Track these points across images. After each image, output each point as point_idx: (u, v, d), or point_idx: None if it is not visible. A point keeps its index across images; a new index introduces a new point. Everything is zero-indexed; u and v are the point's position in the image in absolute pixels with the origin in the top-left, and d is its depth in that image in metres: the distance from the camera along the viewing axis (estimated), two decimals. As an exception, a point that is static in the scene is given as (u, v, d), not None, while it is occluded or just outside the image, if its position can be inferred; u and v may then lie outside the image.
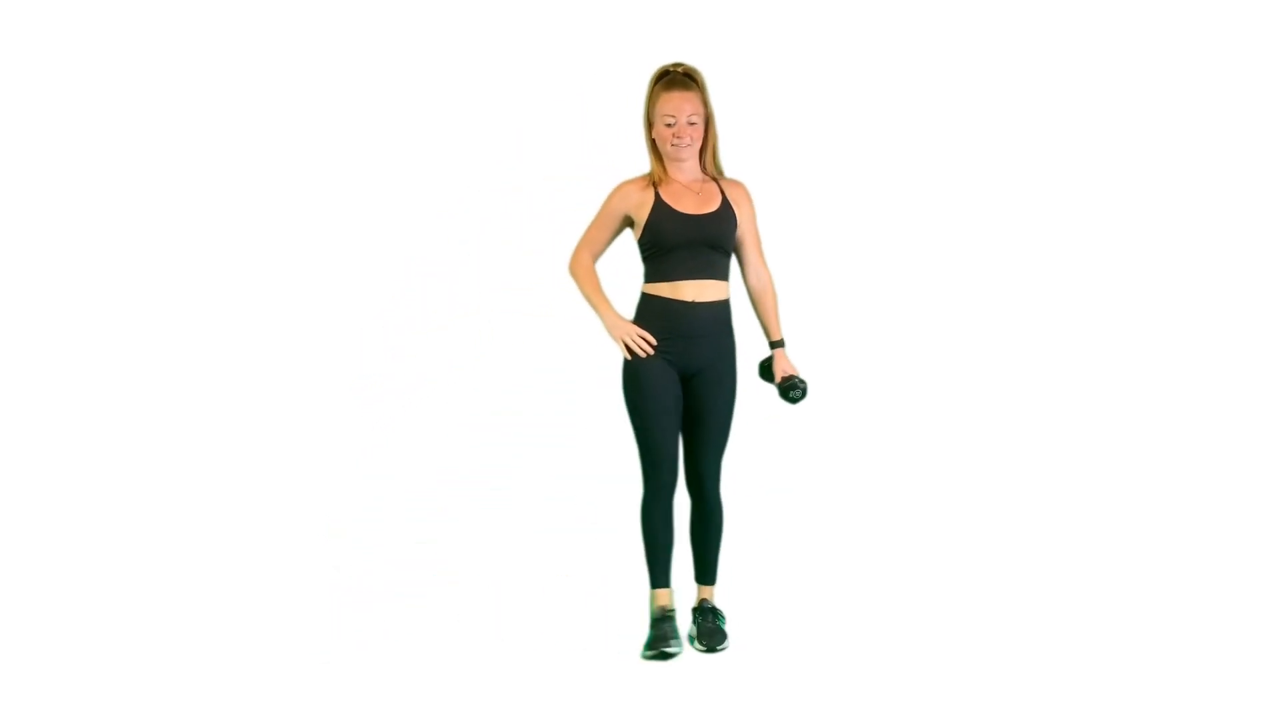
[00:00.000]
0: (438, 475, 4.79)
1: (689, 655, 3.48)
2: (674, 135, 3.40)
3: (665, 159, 3.45)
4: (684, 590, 3.65)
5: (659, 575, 3.55)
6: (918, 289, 5.18)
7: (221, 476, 4.75)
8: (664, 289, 3.45)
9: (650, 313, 3.47)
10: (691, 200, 3.44)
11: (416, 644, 3.54)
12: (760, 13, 5.13)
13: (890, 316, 5.15)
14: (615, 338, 3.48)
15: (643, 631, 3.55)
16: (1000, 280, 5.18)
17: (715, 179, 3.50)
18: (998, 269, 5.17)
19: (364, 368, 5.05)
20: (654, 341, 3.44)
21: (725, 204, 3.47)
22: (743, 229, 3.51)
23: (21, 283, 5.02)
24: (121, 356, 5.01)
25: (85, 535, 4.31)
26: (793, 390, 3.51)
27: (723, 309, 3.49)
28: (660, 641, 3.46)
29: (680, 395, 3.49)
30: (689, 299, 3.44)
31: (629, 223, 3.49)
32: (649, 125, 3.45)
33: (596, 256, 3.54)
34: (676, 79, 3.41)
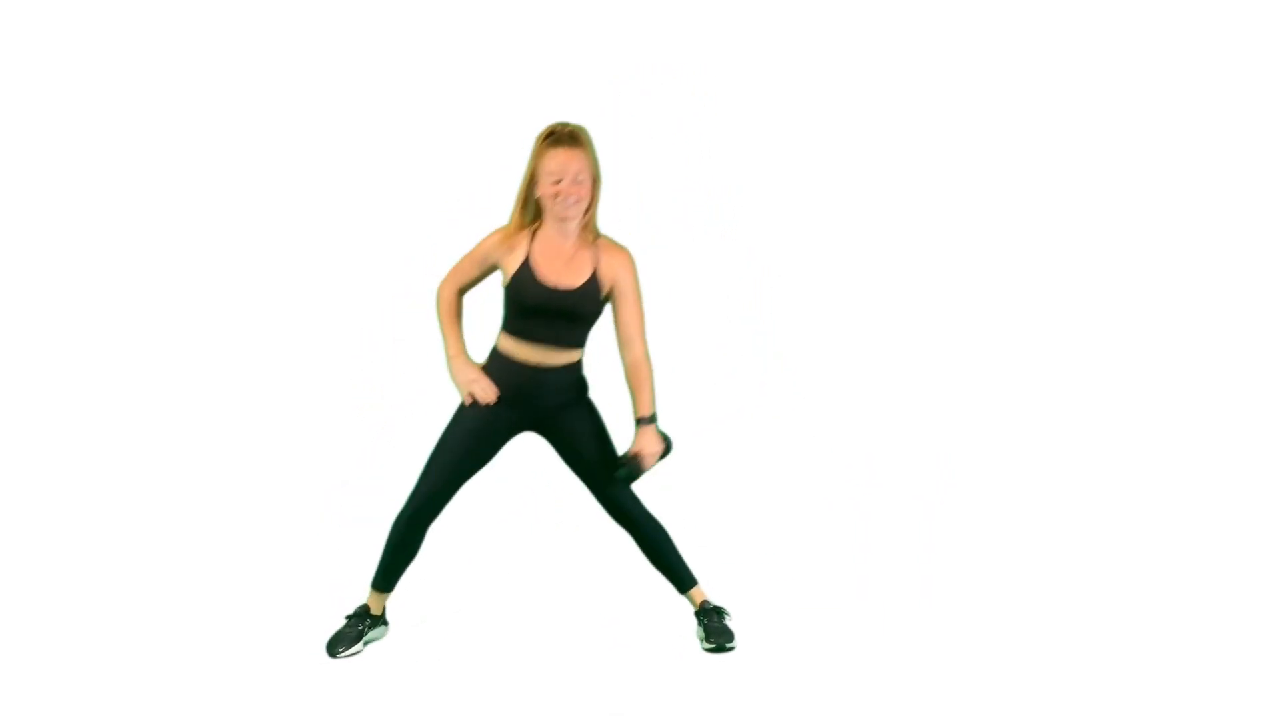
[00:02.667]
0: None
1: (698, 655, 3.48)
2: (560, 193, 3.30)
3: (549, 217, 3.35)
4: (681, 599, 3.68)
5: (385, 580, 3.52)
6: (920, 290, 5.19)
7: (223, 477, 4.76)
8: (511, 346, 3.40)
9: (496, 366, 3.43)
10: (560, 269, 3.35)
11: (418, 643, 3.55)
12: (760, 14, 5.14)
13: (891, 318, 5.16)
14: (457, 382, 3.43)
15: (643, 631, 3.56)
16: (998, 281, 5.19)
17: (595, 247, 3.38)
18: (995, 270, 5.19)
19: (366, 367, 5.06)
20: (495, 395, 3.40)
21: (592, 279, 3.35)
22: (618, 300, 3.40)
23: (24, 284, 5.03)
24: (122, 357, 5.02)
25: (85, 536, 4.31)
26: (619, 469, 3.45)
27: (569, 371, 3.43)
28: (341, 642, 3.47)
29: (497, 449, 3.47)
30: (534, 362, 3.39)
31: (497, 268, 3.41)
32: (529, 183, 3.36)
33: (461, 290, 3.48)
34: (564, 137, 3.32)
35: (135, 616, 3.69)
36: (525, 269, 3.34)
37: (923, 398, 5.12)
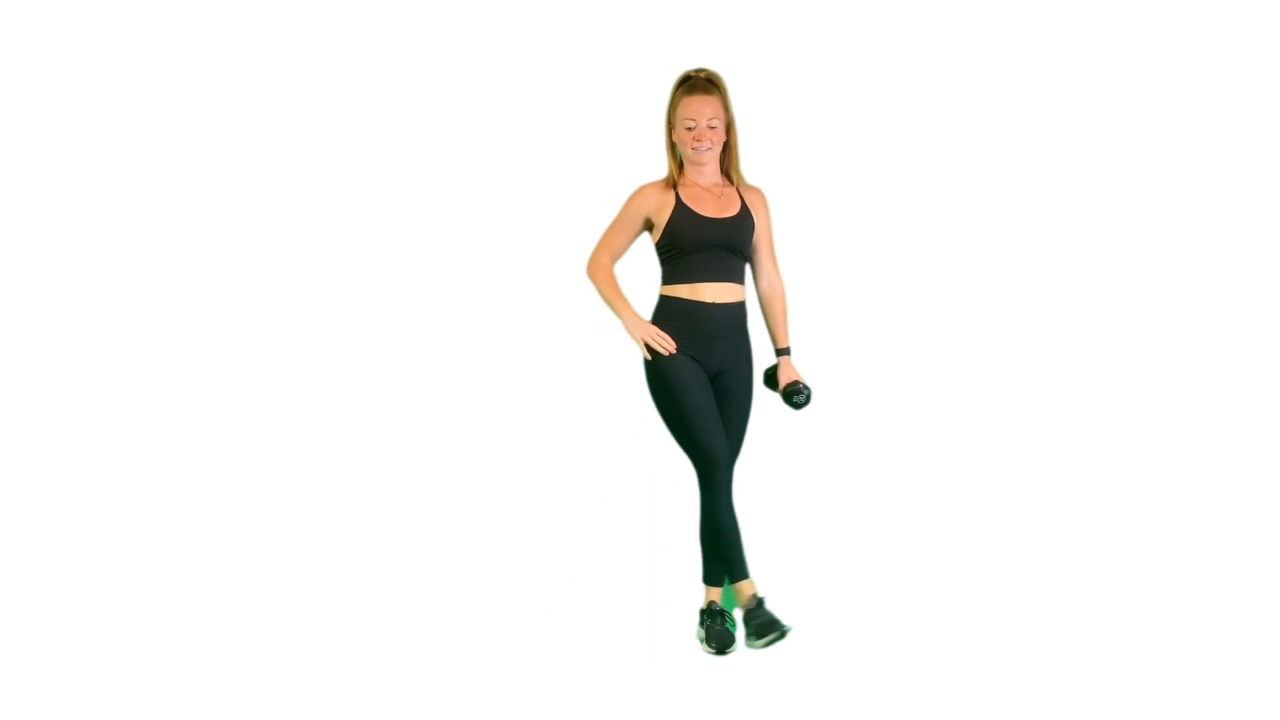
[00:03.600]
0: (445, 476, 4.81)
1: (697, 656, 3.49)
2: (694, 139, 3.44)
3: (685, 162, 3.50)
4: (687, 594, 3.68)
5: (737, 569, 3.53)
6: (925, 291, 5.19)
7: (226, 477, 4.77)
8: (683, 290, 3.48)
9: (670, 314, 3.50)
10: (712, 204, 3.49)
11: (427, 641, 3.55)
12: (768, 16, 5.14)
13: (899, 318, 5.16)
14: (635, 338, 3.49)
15: (645, 630, 3.57)
16: (1008, 283, 5.19)
17: (734, 184, 3.55)
18: (1005, 271, 5.18)
19: (377, 367, 5.07)
20: (673, 347, 3.46)
21: (745, 209, 3.51)
22: (758, 235, 3.56)
23: (27, 284, 5.04)
24: (125, 358, 5.02)
25: (88, 536, 4.32)
26: (796, 395, 3.56)
27: (740, 311, 3.54)
28: (769, 628, 3.44)
29: (710, 394, 3.51)
30: (708, 300, 3.48)
31: (649, 225, 3.52)
32: (669, 128, 3.51)
33: (615, 259, 3.56)
34: (698, 83, 3.46)
35: (135, 616, 3.69)
36: (681, 209, 3.45)
37: (926, 399, 5.12)
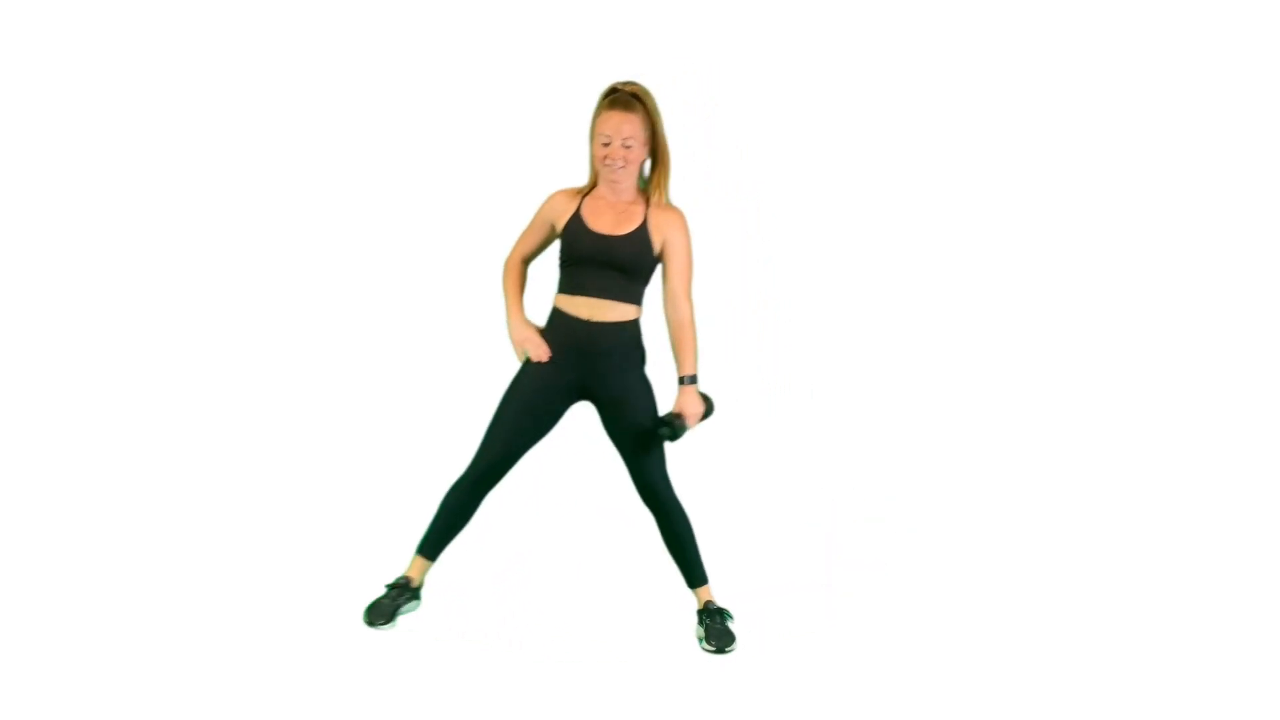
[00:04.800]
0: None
1: (698, 655, 3.49)
2: (607, 155, 3.35)
3: (601, 179, 3.42)
4: (684, 598, 3.68)
5: (431, 547, 3.56)
6: (922, 292, 5.19)
7: (228, 478, 4.77)
8: (564, 302, 3.45)
9: (552, 324, 3.48)
10: (609, 220, 3.41)
11: (418, 642, 3.55)
12: (765, 14, 5.15)
13: (895, 318, 5.17)
14: (513, 340, 3.50)
15: (647, 629, 3.57)
16: (1004, 283, 5.19)
17: (648, 203, 3.43)
18: (1002, 272, 5.19)
19: (370, 368, 5.07)
20: (548, 352, 3.44)
21: (642, 229, 3.40)
22: (665, 257, 3.44)
23: (38, 288, 5.04)
24: (126, 359, 5.03)
25: (89, 537, 4.32)
26: (662, 427, 3.46)
27: (623, 330, 3.45)
28: (379, 612, 3.51)
29: (555, 417, 3.51)
30: (584, 317, 3.42)
31: (555, 231, 3.48)
32: (591, 138, 3.41)
33: (527, 260, 3.56)
34: (621, 99, 3.36)
35: (138, 615, 3.69)
36: (575, 219, 3.40)
37: (928, 399, 5.13)
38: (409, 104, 5.14)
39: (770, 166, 5.15)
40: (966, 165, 5.17)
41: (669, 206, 3.44)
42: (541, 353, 3.44)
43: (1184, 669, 3.37)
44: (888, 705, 3.18)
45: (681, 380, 3.47)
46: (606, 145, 3.34)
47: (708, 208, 5.17)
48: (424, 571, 3.60)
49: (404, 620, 3.64)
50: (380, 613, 3.53)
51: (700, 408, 3.48)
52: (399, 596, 3.57)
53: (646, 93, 3.37)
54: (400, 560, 3.74)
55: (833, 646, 3.53)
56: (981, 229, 5.19)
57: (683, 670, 3.40)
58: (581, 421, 4.60)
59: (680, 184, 5.17)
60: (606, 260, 3.39)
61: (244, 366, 5.11)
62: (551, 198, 3.48)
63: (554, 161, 4.93)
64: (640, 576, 3.98)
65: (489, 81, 5.14)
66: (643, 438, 3.48)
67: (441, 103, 5.14)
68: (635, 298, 3.46)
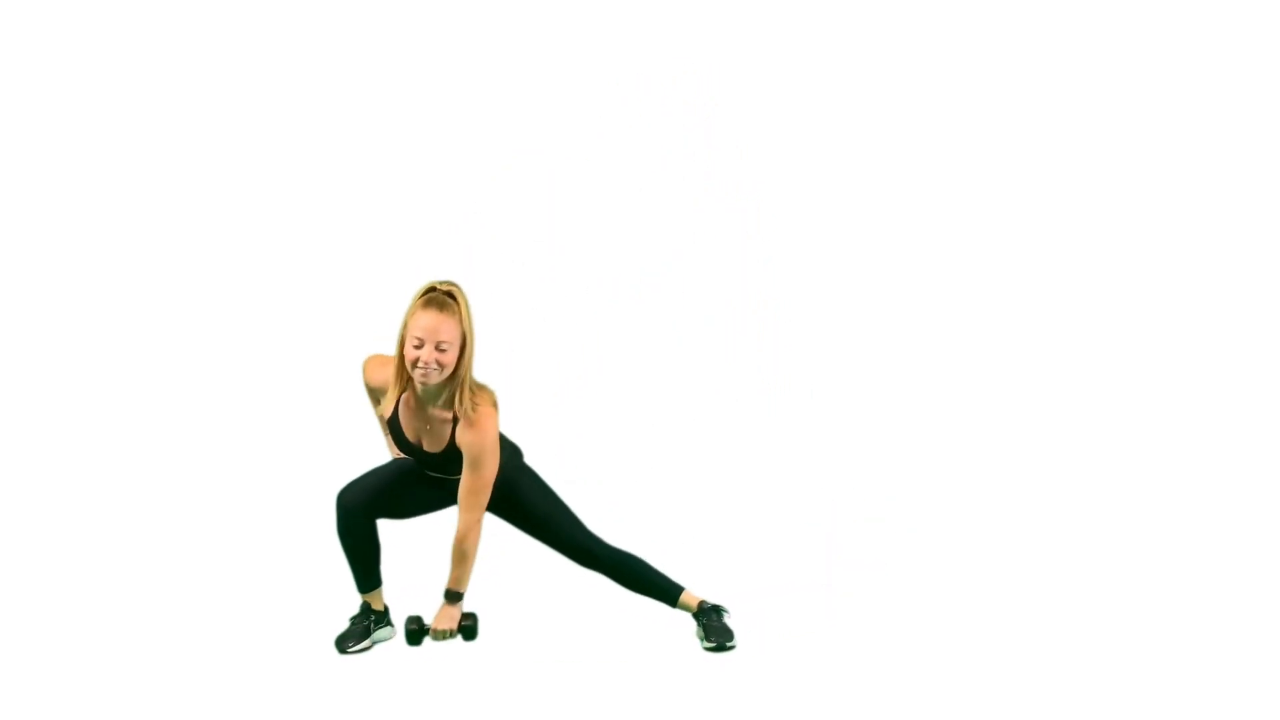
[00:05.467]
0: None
1: (699, 655, 3.49)
2: (418, 359, 3.16)
3: (411, 378, 3.25)
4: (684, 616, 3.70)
5: (361, 582, 3.48)
6: (922, 292, 5.19)
7: (231, 478, 4.77)
8: (407, 453, 3.42)
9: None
10: (423, 432, 3.31)
11: (421, 643, 3.55)
12: (764, 14, 5.15)
13: (895, 318, 5.17)
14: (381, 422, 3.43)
15: (649, 629, 3.58)
16: (1003, 282, 5.19)
17: (457, 413, 3.25)
18: (1001, 271, 5.19)
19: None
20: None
21: (452, 443, 3.29)
22: (465, 465, 3.30)
23: (30, 287, 5.04)
24: (129, 360, 5.03)
25: (89, 536, 4.32)
26: (410, 631, 3.43)
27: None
28: (344, 637, 3.46)
29: (417, 512, 3.47)
30: (437, 476, 3.40)
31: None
32: (400, 341, 3.23)
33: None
34: (436, 298, 3.19)
35: (140, 616, 3.69)
36: (394, 420, 3.32)
37: (928, 399, 5.13)
38: (408, 104, 5.14)
39: (770, 166, 5.15)
40: (966, 165, 5.17)
41: (474, 418, 3.25)
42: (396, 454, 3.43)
43: (1184, 668, 3.37)
44: (888, 705, 3.17)
45: (449, 595, 3.41)
46: (418, 348, 3.15)
47: (708, 208, 5.21)
48: (379, 599, 3.53)
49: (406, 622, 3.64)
50: (351, 636, 3.45)
51: (452, 625, 3.41)
52: (364, 619, 3.51)
53: (461, 292, 3.22)
54: (396, 560, 3.74)
55: (833, 646, 3.53)
56: (981, 229, 5.19)
57: (683, 670, 3.40)
58: (579, 421, 4.60)
59: (680, 184, 5.20)
60: (431, 464, 3.35)
61: (234, 369, 5.10)
62: (368, 369, 3.37)
63: (554, 161, 4.96)
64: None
65: (488, 81, 5.14)
66: (546, 512, 3.46)
67: (440, 103, 5.14)
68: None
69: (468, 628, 3.45)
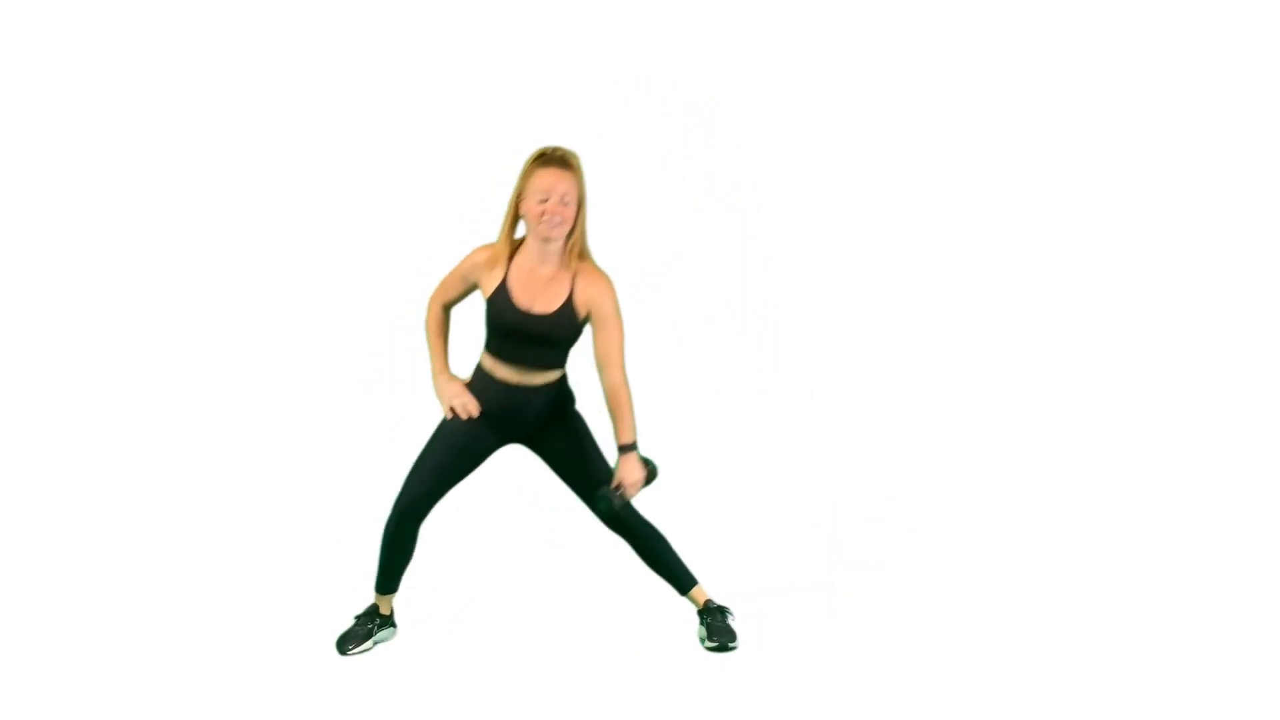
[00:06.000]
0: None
1: (700, 655, 3.49)
2: (545, 213, 3.27)
3: (532, 237, 3.33)
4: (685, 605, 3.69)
5: (382, 582, 3.53)
6: (922, 292, 5.19)
7: (238, 480, 4.76)
8: (487, 362, 3.43)
9: (478, 383, 3.45)
10: (535, 294, 3.34)
11: (419, 643, 3.55)
12: (765, 14, 5.15)
13: (895, 318, 5.17)
14: (440, 398, 3.46)
15: (650, 628, 3.57)
16: (1003, 282, 5.19)
17: (575, 271, 3.35)
18: (1001, 271, 5.19)
19: (376, 369, 5.07)
20: (477, 409, 3.42)
21: (568, 304, 3.34)
22: (595, 327, 3.37)
23: (30, 288, 5.04)
24: (132, 360, 5.03)
25: (87, 538, 4.32)
26: (600, 501, 3.44)
27: (547, 390, 3.43)
28: (346, 638, 3.50)
29: (484, 456, 3.49)
30: (513, 382, 3.41)
31: (477, 287, 3.43)
32: (517, 199, 3.33)
33: (448, 306, 3.50)
34: (554, 158, 3.31)
35: (141, 617, 3.69)
36: (501, 291, 3.35)
37: (928, 399, 5.13)
38: (407, 104, 5.14)
39: (770, 166, 5.15)
40: (967, 165, 5.17)
41: (595, 272, 3.37)
42: (472, 409, 3.42)
43: (1183, 668, 3.37)
44: (888, 705, 3.18)
45: (622, 449, 3.42)
46: (544, 202, 3.27)
47: (708, 208, 5.21)
48: (389, 603, 3.58)
49: (410, 622, 3.64)
50: (353, 638, 3.50)
51: (641, 474, 3.42)
52: (368, 622, 3.54)
53: (575, 156, 3.34)
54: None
55: (833, 646, 3.53)
56: (981, 229, 5.19)
57: (685, 670, 3.40)
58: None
59: (680, 184, 5.20)
60: (533, 338, 3.36)
61: (233, 369, 5.10)
62: (475, 255, 3.41)
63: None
64: (641, 576, 3.97)
65: (487, 82, 5.14)
66: (587, 479, 3.48)
67: (440, 103, 5.14)
68: (561, 362, 3.44)
69: (652, 470, 3.46)
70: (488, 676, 3.34)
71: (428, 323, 3.51)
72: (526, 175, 3.32)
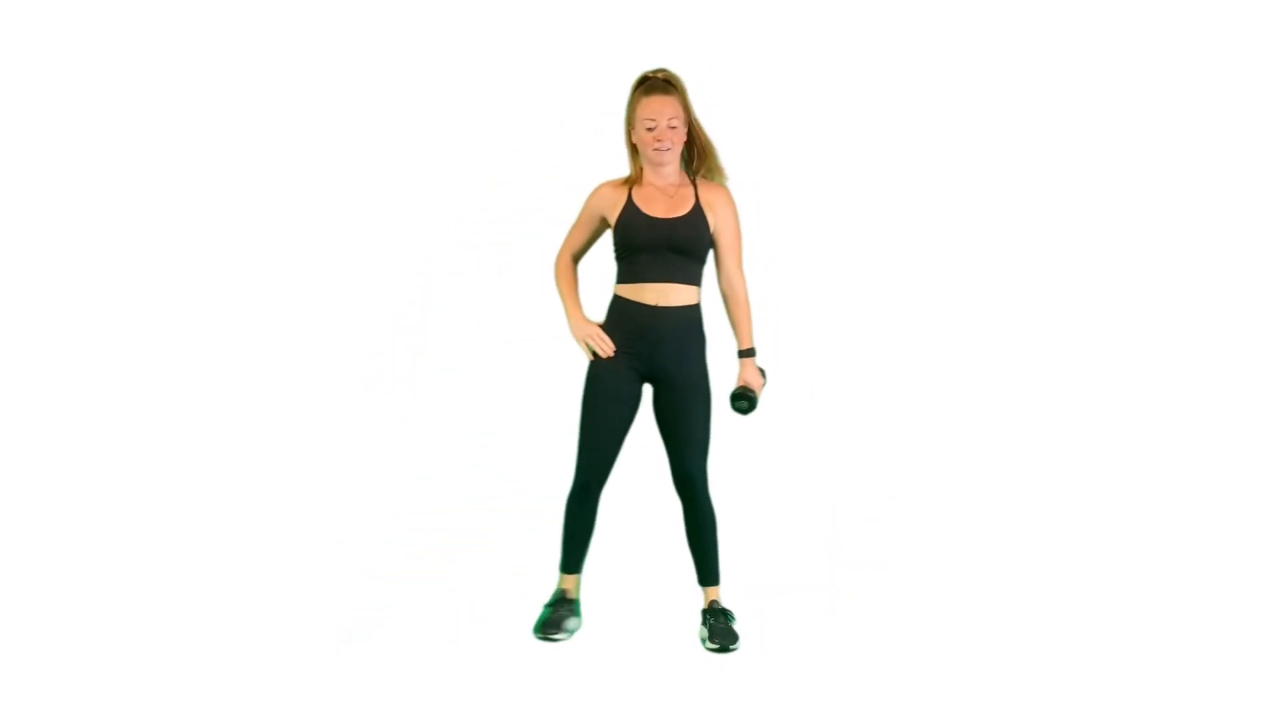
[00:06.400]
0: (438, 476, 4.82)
1: (701, 655, 3.49)
2: (655, 139, 3.44)
3: (646, 163, 3.50)
4: (690, 594, 3.68)
5: (569, 561, 3.63)
6: (922, 292, 5.19)
7: (238, 480, 4.76)
8: (628, 291, 3.50)
9: (615, 314, 3.52)
10: (663, 204, 3.48)
11: (420, 643, 3.55)
12: (765, 14, 5.15)
13: (896, 318, 5.16)
14: (576, 338, 3.55)
15: (650, 627, 3.58)
16: (1004, 282, 5.19)
17: (695, 183, 3.53)
18: (1001, 271, 5.19)
19: (376, 369, 5.07)
20: (612, 346, 3.47)
21: (696, 209, 3.49)
22: (717, 234, 3.53)
23: (28, 288, 5.04)
24: (132, 361, 5.02)
25: (96, 540, 4.32)
26: (738, 400, 3.53)
27: (688, 313, 3.51)
28: (550, 625, 3.56)
29: (636, 400, 3.54)
30: (651, 303, 3.47)
31: (606, 223, 3.53)
32: (629, 128, 3.50)
33: (577, 257, 3.62)
34: (656, 84, 3.47)
35: (141, 617, 3.70)
36: (630, 208, 3.47)
37: (928, 399, 5.12)
38: (407, 104, 5.14)
39: (770, 166, 5.14)
40: (967, 165, 5.17)
41: (716, 184, 3.55)
42: (608, 347, 3.49)
43: (1183, 669, 3.37)
44: (888, 705, 3.18)
45: (744, 353, 3.58)
46: (651, 129, 3.43)
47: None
48: (576, 584, 3.65)
49: (411, 622, 3.64)
50: (554, 624, 3.57)
51: (761, 380, 3.58)
52: (561, 608, 3.60)
53: (677, 77, 3.49)
54: (398, 560, 3.75)
55: (833, 646, 3.53)
56: (982, 229, 5.18)
57: (685, 669, 3.40)
58: (578, 421, 4.57)
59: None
60: (667, 244, 3.46)
61: (231, 369, 5.09)
62: (599, 190, 3.54)
63: (554, 161, 4.96)
64: (642, 575, 3.98)
65: (486, 82, 5.13)
66: (695, 425, 3.53)
67: (439, 103, 5.14)
68: (696, 279, 3.53)
69: (765, 377, 3.62)
70: (487, 676, 3.34)
71: (558, 274, 3.60)
72: (633, 105, 3.48)
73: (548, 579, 4.03)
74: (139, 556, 4.14)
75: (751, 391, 3.54)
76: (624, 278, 3.52)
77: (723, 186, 3.55)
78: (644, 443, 3.66)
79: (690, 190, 3.51)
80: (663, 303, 3.48)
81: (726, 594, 3.69)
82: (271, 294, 5.12)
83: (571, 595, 3.64)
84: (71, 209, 5.07)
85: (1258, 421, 4.97)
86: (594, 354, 3.52)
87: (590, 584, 3.98)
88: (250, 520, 4.46)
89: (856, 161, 5.15)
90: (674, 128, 3.44)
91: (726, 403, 3.58)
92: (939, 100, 5.16)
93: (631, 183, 3.52)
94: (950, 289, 5.19)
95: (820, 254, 5.19)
